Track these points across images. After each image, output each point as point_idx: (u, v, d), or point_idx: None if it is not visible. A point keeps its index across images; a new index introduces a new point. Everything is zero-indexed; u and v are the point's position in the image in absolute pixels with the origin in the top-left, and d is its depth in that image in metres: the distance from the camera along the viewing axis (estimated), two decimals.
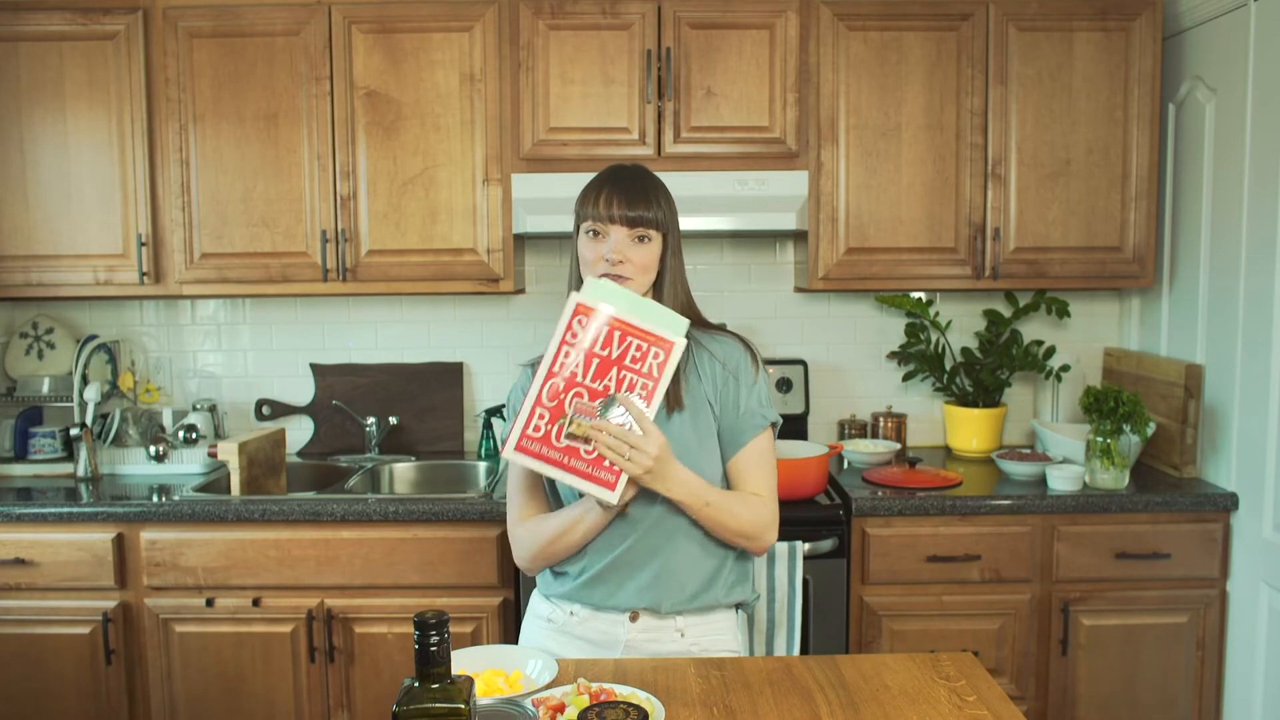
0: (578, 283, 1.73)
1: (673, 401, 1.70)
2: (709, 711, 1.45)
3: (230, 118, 2.81)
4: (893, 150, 2.82)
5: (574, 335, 1.58)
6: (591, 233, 1.68)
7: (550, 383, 1.58)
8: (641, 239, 1.68)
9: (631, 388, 1.57)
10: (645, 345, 1.57)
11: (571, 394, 1.57)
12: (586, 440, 1.56)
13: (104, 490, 2.78)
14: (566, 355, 1.58)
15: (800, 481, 2.59)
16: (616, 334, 1.57)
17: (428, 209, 2.83)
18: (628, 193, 1.68)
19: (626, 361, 1.57)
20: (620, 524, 1.68)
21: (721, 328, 1.82)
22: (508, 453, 1.59)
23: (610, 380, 1.57)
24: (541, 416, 1.57)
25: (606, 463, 1.55)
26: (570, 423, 1.56)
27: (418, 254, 2.85)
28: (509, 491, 1.79)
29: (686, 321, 1.60)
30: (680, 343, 1.57)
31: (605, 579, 1.70)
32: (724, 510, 1.67)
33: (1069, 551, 2.60)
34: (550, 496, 1.78)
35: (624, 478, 1.56)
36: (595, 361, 1.57)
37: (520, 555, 1.76)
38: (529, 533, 1.74)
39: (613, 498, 1.56)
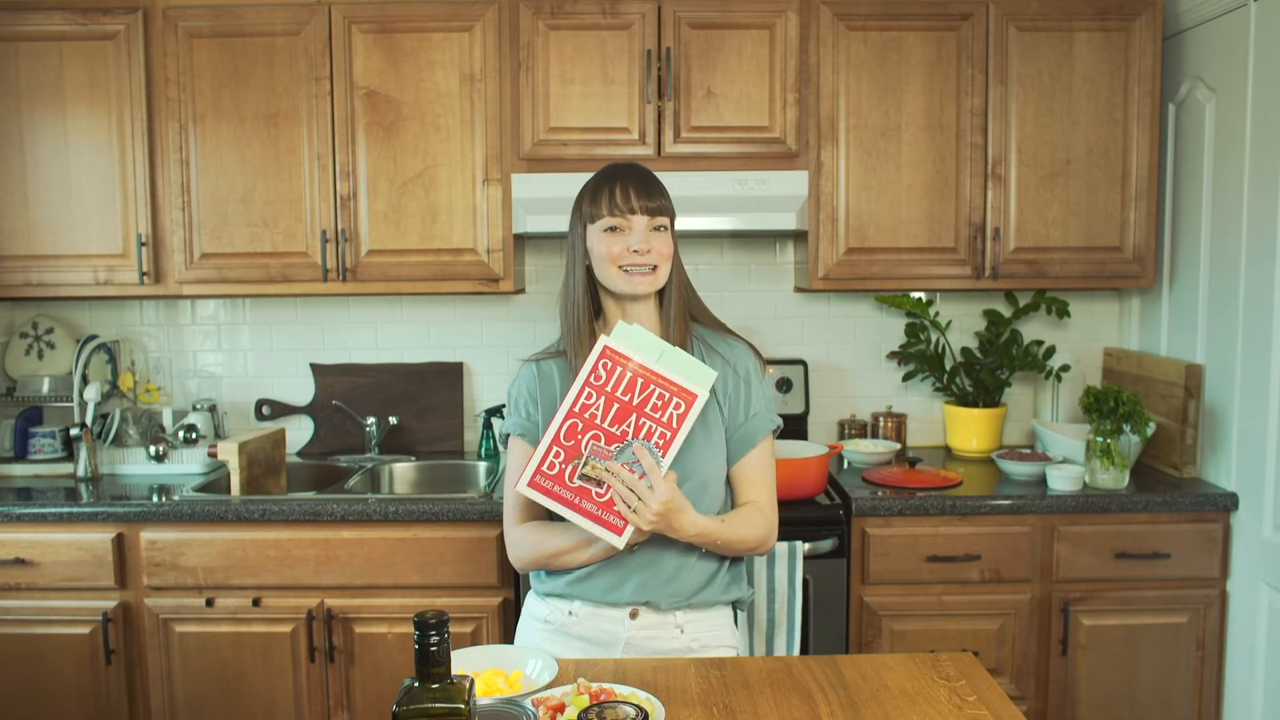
0: (584, 287, 1.72)
1: None
2: (709, 711, 1.44)
3: (230, 118, 2.81)
4: (893, 150, 2.82)
5: (598, 378, 1.58)
6: (610, 229, 1.68)
7: (570, 422, 1.58)
8: (660, 228, 1.69)
9: (649, 436, 1.57)
10: (668, 395, 1.57)
11: (589, 435, 1.58)
12: (599, 483, 1.57)
13: (104, 490, 2.78)
14: (589, 397, 1.58)
15: (800, 481, 2.59)
16: (640, 380, 1.58)
17: (428, 209, 2.83)
18: (642, 184, 1.70)
19: (647, 409, 1.57)
20: None
21: (729, 330, 1.82)
22: (520, 487, 1.59)
23: (629, 426, 1.57)
24: (557, 455, 1.58)
25: (616, 507, 1.56)
26: (585, 464, 1.57)
27: (418, 254, 2.85)
28: (506, 490, 1.78)
29: (714, 374, 1.60)
30: (703, 396, 1.57)
31: (607, 574, 1.70)
32: (733, 538, 1.69)
33: (1069, 551, 2.60)
34: None
35: (630, 527, 1.57)
36: (616, 406, 1.58)
37: (516, 557, 1.75)
38: (532, 540, 1.73)
39: (619, 543, 1.58)
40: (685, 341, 1.73)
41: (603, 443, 1.57)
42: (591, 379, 1.58)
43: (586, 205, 1.71)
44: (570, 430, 1.58)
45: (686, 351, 1.70)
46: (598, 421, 1.57)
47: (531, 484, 1.59)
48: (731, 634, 1.80)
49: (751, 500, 1.76)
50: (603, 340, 1.60)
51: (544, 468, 1.58)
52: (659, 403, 1.57)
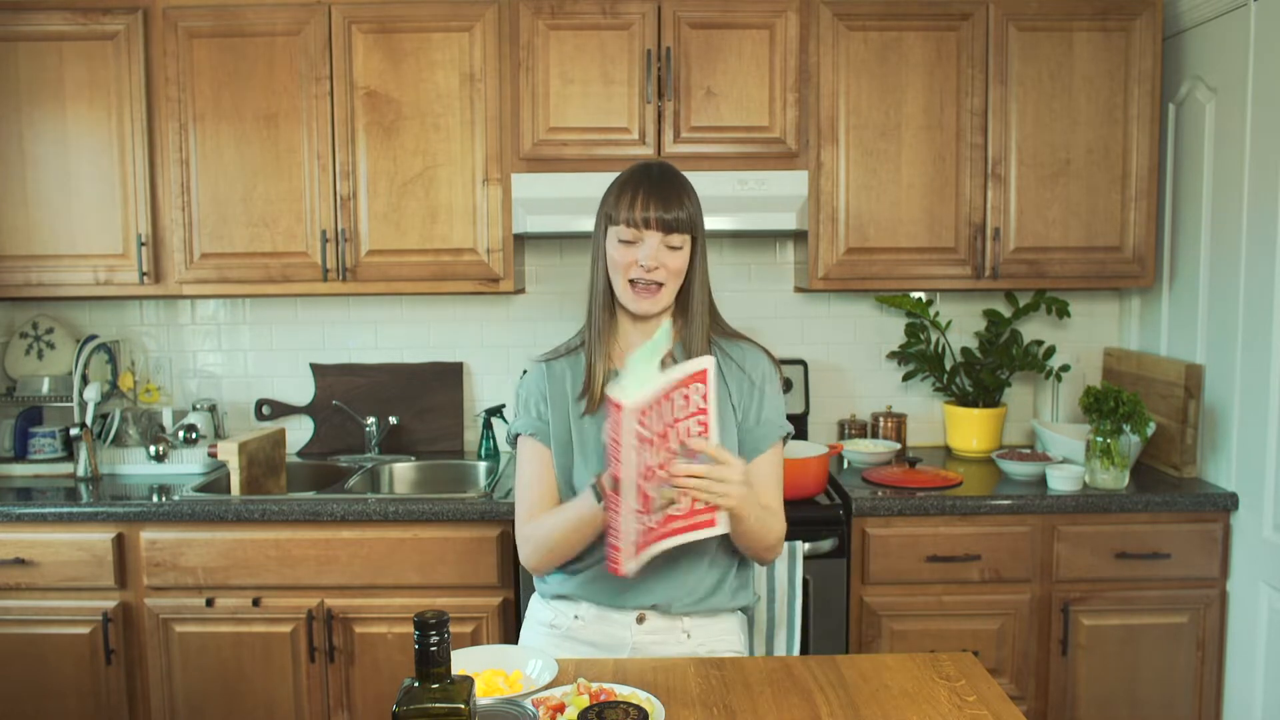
0: (604, 283, 1.70)
1: None
2: (709, 711, 1.44)
3: (230, 118, 2.81)
4: (893, 150, 2.82)
5: (618, 438, 1.48)
6: (625, 241, 1.65)
7: (628, 489, 1.49)
8: (675, 244, 1.65)
9: (689, 433, 1.50)
10: (683, 391, 1.50)
11: (654, 483, 1.50)
12: (673, 502, 1.50)
13: (104, 490, 2.78)
14: (628, 454, 1.48)
15: (800, 481, 2.59)
16: (657, 407, 1.49)
17: (428, 209, 2.83)
18: (662, 196, 1.64)
19: (675, 416, 1.50)
20: None
21: (742, 335, 1.81)
22: (627, 568, 1.51)
23: (673, 443, 1.50)
24: (640, 521, 1.51)
25: (699, 505, 1.50)
26: (659, 504, 1.50)
27: (418, 254, 2.85)
28: (518, 492, 1.75)
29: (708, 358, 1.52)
30: (710, 362, 1.49)
31: (615, 577, 1.68)
32: (767, 525, 1.67)
33: (1069, 551, 2.60)
34: (564, 492, 1.73)
35: (721, 512, 1.51)
36: (649, 444, 1.49)
37: (527, 556, 1.72)
38: (536, 532, 1.69)
39: (720, 530, 1.53)
40: (707, 352, 1.71)
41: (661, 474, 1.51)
42: (619, 440, 1.49)
43: (610, 203, 1.67)
44: (637, 494, 1.50)
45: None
46: (650, 468, 1.50)
47: (635, 558, 1.51)
48: (739, 640, 1.79)
49: (765, 505, 1.76)
50: (624, 413, 1.48)
51: (636, 539, 1.51)
52: (681, 402, 1.51)
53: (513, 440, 1.78)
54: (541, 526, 1.69)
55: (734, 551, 1.78)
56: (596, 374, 1.70)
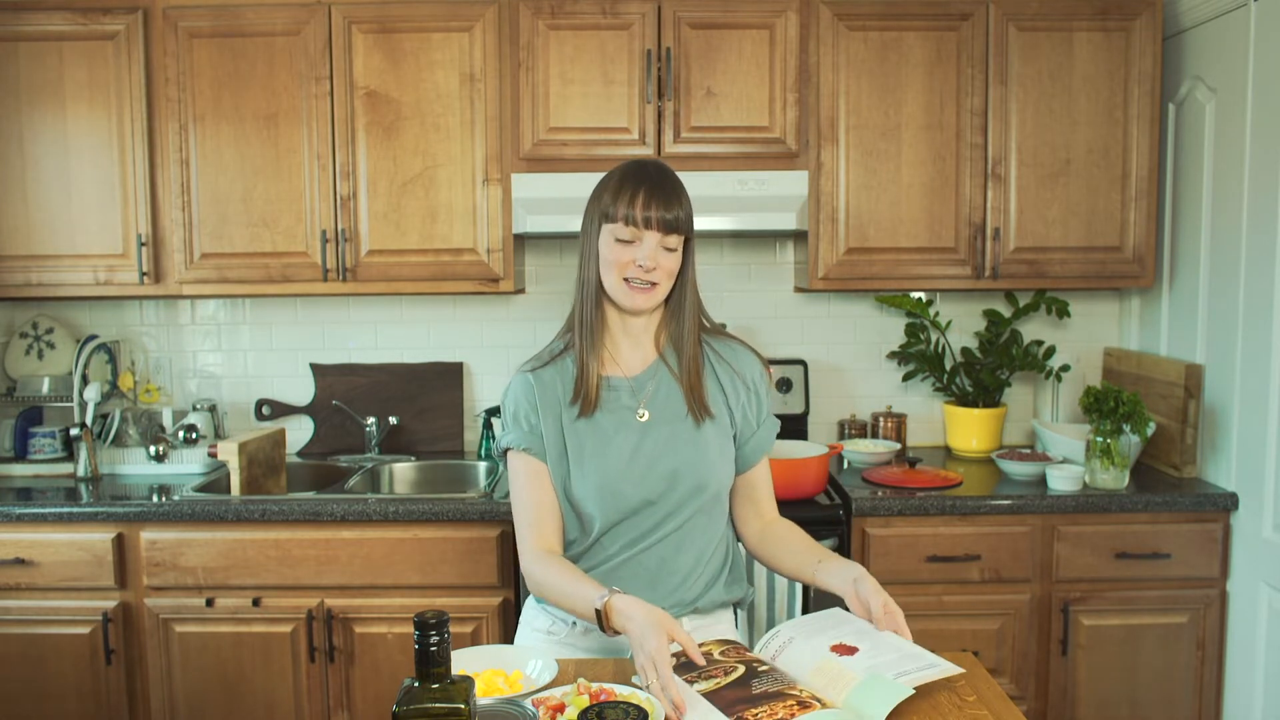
0: (595, 280, 1.67)
1: (702, 411, 1.69)
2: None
3: (230, 118, 2.81)
4: (893, 150, 2.82)
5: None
6: (622, 240, 1.61)
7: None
8: (671, 246, 1.63)
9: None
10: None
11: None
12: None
13: (104, 490, 2.78)
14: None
15: (800, 481, 2.59)
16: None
17: (428, 209, 2.83)
18: (663, 195, 1.61)
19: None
20: (634, 537, 1.67)
21: (731, 335, 1.80)
22: None
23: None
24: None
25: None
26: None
27: (418, 254, 2.85)
28: (516, 513, 1.70)
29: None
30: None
31: (616, 584, 1.66)
32: None
33: (1069, 551, 2.60)
34: (563, 503, 1.70)
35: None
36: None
37: (531, 588, 1.68)
38: (544, 584, 1.63)
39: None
40: (698, 354, 1.70)
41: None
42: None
43: (606, 200, 1.63)
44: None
45: (699, 364, 1.70)
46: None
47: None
48: (733, 635, 1.79)
49: (770, 510, 1.78)
50: None
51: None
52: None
53: (502, 455, 1.74)
54: (546, 583, 1.62)
55: (726, 548, 1.78)
56: (590, 374, 1.67)
